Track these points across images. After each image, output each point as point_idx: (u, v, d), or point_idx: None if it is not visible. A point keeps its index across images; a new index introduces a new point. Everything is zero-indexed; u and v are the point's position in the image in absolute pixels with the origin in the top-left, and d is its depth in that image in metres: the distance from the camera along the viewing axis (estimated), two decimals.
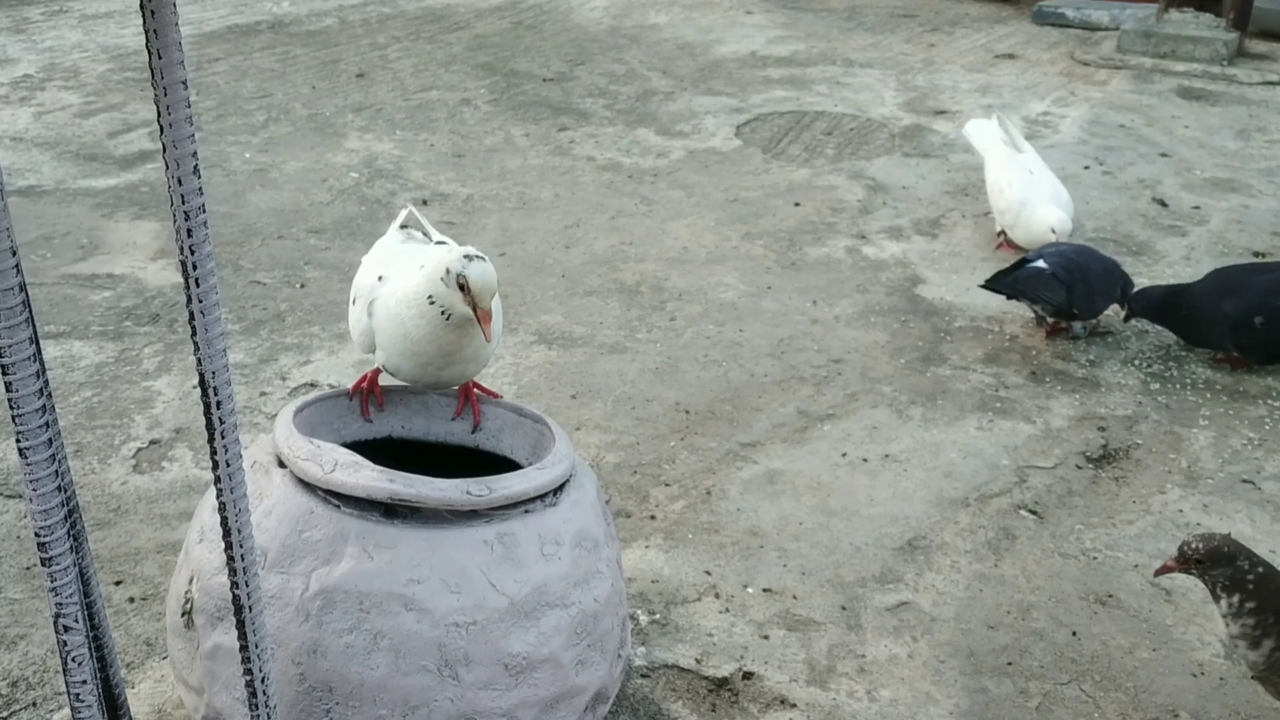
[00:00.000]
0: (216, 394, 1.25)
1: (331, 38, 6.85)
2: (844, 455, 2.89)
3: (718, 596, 2.38)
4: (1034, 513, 2.68)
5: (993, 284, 3.35)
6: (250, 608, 1.38)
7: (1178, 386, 3.24)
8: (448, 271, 1.70)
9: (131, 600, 2.35)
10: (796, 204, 4.50)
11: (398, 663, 1.56)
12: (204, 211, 1.18)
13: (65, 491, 1.32)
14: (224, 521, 1.32)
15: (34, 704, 2.09)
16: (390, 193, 4.53)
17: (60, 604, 1.33)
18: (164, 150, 1.14)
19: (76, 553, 1.36)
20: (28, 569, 2.42)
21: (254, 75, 6.05)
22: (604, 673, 1.74)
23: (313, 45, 6.67)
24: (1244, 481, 2.81)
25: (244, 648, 1.40)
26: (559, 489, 1.73)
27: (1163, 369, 3.32)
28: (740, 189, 4.66)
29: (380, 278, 1.88)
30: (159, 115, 1.13)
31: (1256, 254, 4.09)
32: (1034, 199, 3.90)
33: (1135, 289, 3.41)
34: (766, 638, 2.27)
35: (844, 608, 2.36)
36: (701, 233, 4.22)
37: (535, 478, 1.68)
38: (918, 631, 2.30)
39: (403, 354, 1.82)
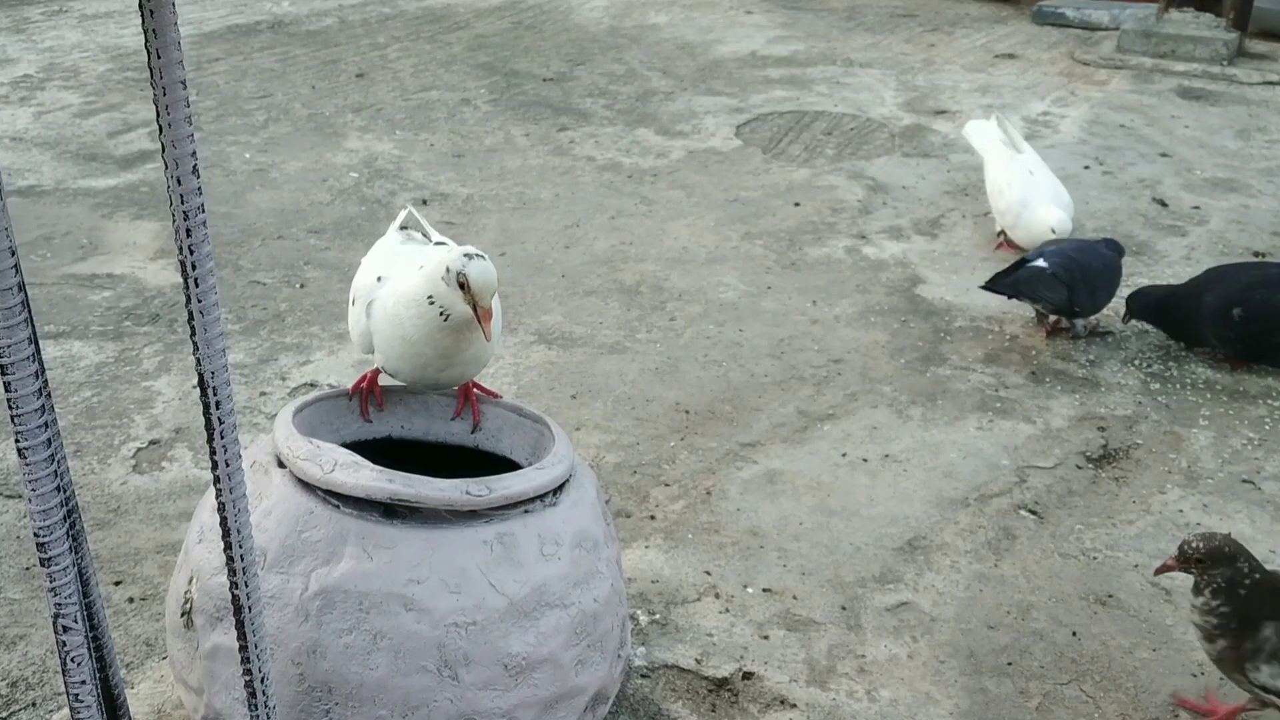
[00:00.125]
0: (216, 394, 1.25)
1: (331, 38, 6.85)
2: (844, 455, 2.89)
3: (718, 596, 2.38)
4: (1034, 513, 2.68)
5: (993, 285, 3.35)
6: (250, 608, 1.38)
7: (1178, 386, 3.24)
8: (448, 270, 1.70)
9: (131, 600, 2.35)
10: (796, 204, 4.50)
11: (397, 663, 1.56)
12: (203, 211, 1.18)
13: (64, 492, 1.32)
14: (223, 521, 1.32)
15: (34, 704, 2.09)
16: (390, 193, 4.53)
17: (60, 604, 1.33)
18: (163, 150, 1.14)
19: (76, 553, 1.36)
20: (27, 569, 2.42)
21: (254, 75, 6.05)
22: (604, 673, 1.74)
23: (313, 45, 6.67)
24: (1244, 481, 2.81)
25: (243, 648, 1.40)
26: (559, 489, 1.73)
27: (1163, 369, 3.32)
28: (740, 189, 4.66)
29: (379, 278, 1.88)
30: (158, 115, 1.13)
31: (1256, 254, 4.09)
32: (1034, 199, 3.90)
33: (1134, 290, 3.42)
34: (766, 638, 2.26)
35: (844, 608, 2.36)
36: (701, 233, 4.22)
37: (535, 478, 1.68)
38: (918, 631, 2.30)
39: (401, 356, 1.82)
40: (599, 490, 1.84)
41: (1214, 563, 1.89)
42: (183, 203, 1.16)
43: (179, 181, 1.15)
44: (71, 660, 1.36)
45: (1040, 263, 3.32)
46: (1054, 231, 3.77)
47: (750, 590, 2.40)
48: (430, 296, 1.74)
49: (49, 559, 1.30)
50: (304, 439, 1.68)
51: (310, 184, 4.61)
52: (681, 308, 3.65)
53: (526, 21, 7.38)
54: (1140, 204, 4.54)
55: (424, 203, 4.43)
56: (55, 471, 1.28)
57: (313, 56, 6.43)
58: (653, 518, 2.64)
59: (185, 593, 1.69)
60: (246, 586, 1.36)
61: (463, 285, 1.69)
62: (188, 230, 1.17)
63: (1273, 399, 3.18)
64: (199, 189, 1.16)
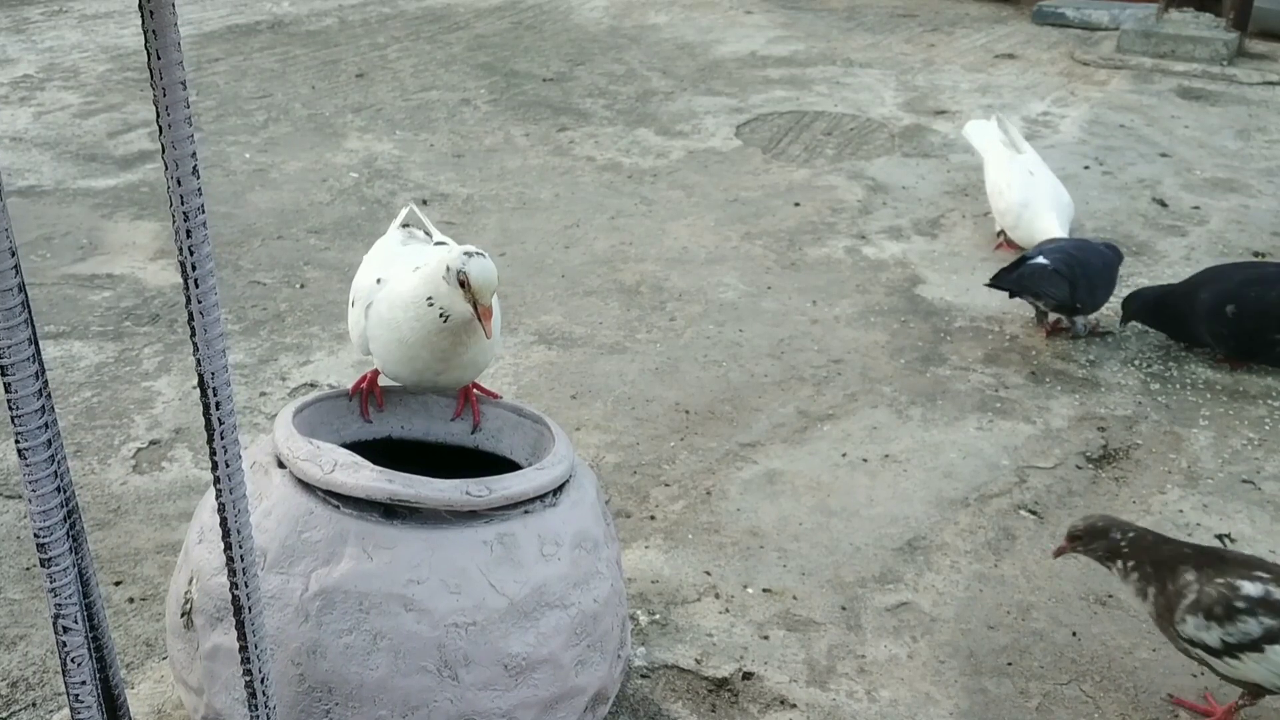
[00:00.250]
0: (216, 394, 1.25)
1: (331, 38, 6.85)
2: (844, 455, 2.89)
3: (718, 597, 2.38)
4: (1034, 513, 2.68)
5: (997, 281, 3.35)
6: (250, 608, 1.38)
7: (1178, 386, 3.24)
8: (448, 269, 1.70)
9: (131, 601, 2.35)
10: (796, 204, 4.50)
11: (397, 663, 1.56)
12: (203, 211, 1.18)
13: (64, 492, 1.32)
14: (223, 522, 1.32)
15: (34, 704, 2.09)
16: (390, 193, 4.53)
17: (60, 605, 1.33)
18: (163, 150, 1.14)
19: (76, 553, 1.36)
20: (27, 569, 2.42)
21: (254, 75, 6.05)
22: (604, 673, 1.74)
23: (313, 45, 6.67)
24: (1244, 481, 2.81)
25: (243, 648, 1.40)
26: (559, 489, 1.73)
27: (1163, 369, 3.32)
28: (740, 189, 4.66)
29: (379, 280, 1.88)
30: (158, 115, 1.13)
31: (1256, 254, 4.09)
32: (1035, 200, 3.90)
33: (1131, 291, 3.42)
34: (766, 638, 2.26)
35: (844, 608, 2.36)
36: (701, 233, 4.22)
37: (535, 478, 1.68)
38: (918, 632, 2.30)
39: (398, 360, 1.82)
40: (599, 490, 1.84)
41: (1091, 538, 2.10)
42: (183, 203, 1.16)
43: (179, 181, 1.15)
44: (71, 660, 1.36)
45: (1041, 259, 3.33)
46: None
47: (750, 590, 2.40)
48: (429, 298, 1.74)
49: (49, 559, 1.30)
50: (304, 439, 1.68)
51: (310, 184, 4.61)
52: (681, 308, 3.65)
53: (526, 21, 7.38)
54: (1140, 204, 4.54)
55: (424, 203, 4.43)
56: (55, 472, 1.28)
57: (313, 56, 6.43)
58: (653, 518, 2.64)
59: (185, 593, 1.69)
60: (246, 587, 1.36)
61: (463, 283, 1.69)
62: (188, 230, 1.17)
63: (1273, 399, 3.18)
64: (199, 189, 1.16)
